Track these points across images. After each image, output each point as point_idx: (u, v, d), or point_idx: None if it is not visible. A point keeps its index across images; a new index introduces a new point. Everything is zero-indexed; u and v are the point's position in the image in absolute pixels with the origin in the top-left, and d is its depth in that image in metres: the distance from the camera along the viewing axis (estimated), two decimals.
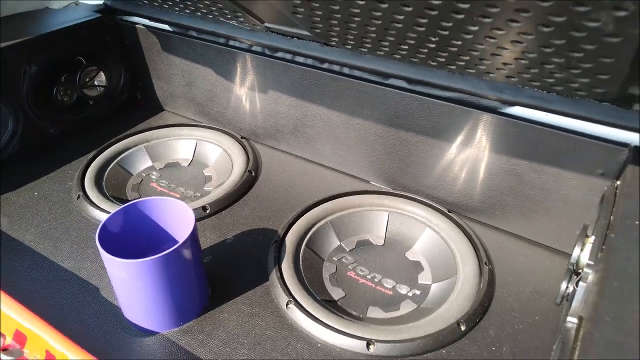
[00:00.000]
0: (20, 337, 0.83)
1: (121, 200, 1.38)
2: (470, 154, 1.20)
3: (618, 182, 0.98)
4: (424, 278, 1.15)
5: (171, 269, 0.92)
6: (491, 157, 1.17)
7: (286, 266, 1.11)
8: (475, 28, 0.79)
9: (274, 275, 1.09)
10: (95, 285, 1.09)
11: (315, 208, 1.27)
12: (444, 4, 0.74)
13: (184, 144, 1.59)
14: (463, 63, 0.97)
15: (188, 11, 1.38)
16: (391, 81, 1.22)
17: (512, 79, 0.97)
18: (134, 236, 1.04)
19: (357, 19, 0.92)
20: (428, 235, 1.23)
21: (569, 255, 0.87)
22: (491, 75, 0.98)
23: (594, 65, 0.76)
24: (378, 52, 1.08)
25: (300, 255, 1.17)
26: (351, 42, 1.08)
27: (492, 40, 0.82)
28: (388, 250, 1.23)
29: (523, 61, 0.86)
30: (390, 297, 1.11)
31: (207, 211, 1.29)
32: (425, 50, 0.97)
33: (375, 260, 1.20)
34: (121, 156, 1.51)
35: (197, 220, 0.98)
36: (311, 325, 0.99)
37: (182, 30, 1.53)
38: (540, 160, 1.10)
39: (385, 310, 1.07)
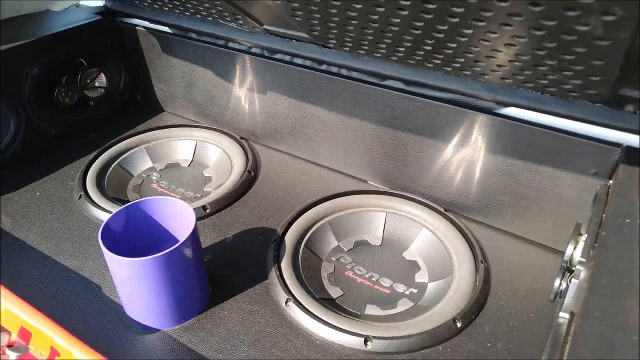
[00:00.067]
0: (25, 334, 0.84)
1: (122, 201, 1.39)
2: (466, 154, 1.22)
3: (611, 182, 1.00)
4: (421, 277, 1.17)
5: (173, 267, 0.94)
6: (487, 157, 1.19)
7: (285, 265, 1.13)
8: (470, 31, 0.81)
9: (273, 274, 1.11)
10: (97, 283, 1.11)
11: (314, 208, 1.29)
12: (439, 8, 0.76)
13: (184, 145, 1.61)
14: (458, 65, 0.99)
15: (188, 14, 1.40)
16: (388, 82, 1.24)
17: (507, 81, 0.99)
18: (135, 235, 1.06)
19: (354, 22, 0.94)
20: (425, 235, 1.25)
21: (563, 253, 0.89)
22: (486, 76, 1.00)
23: (585, 67, 0.78)
24: (375, 54, 1.10)
25: (299, 254, 1.18)
26: (349, 44, 1.10)
27: (486, 43, 0.83)
28: (385, 250, 1.25)
29: (517, 63, 0.88)
30: (388, 295, 1.13)
31: (207, 211, 1.31)
32: (422, 53, 0.99)
33: (373, 260, 1.22)
34: (122, 157, 1.52)
35: (197, 219, 1.00)
36: (310, 323, 1.00)
37: (181, 32, 1.55)
38: (534, 160, 1.12)
39: (382, 308, 1.09)
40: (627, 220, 0.77)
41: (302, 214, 1.27)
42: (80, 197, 1.34)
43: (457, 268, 1.13)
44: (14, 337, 0.85)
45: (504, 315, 1.05)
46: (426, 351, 0.97)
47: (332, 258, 1.22)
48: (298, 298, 1.05)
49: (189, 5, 1.31)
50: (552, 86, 0.93)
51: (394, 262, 1.21)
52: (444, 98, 1.18)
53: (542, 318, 1.04)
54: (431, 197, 1.33)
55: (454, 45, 0.89)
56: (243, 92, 1.54)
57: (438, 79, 1.13)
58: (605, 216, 0.83)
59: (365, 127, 1.35)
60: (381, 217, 1.30)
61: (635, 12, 0.59)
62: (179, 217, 1.06)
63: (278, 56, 1.39)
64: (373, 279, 1.16)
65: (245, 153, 1.54)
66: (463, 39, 0.85)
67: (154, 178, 1.51)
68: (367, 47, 1.07)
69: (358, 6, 0.86)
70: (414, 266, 1.20)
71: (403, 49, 1.00)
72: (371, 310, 1.09)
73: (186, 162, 1.58)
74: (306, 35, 1.15)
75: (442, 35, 0.86)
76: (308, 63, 1.35)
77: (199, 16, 1.38)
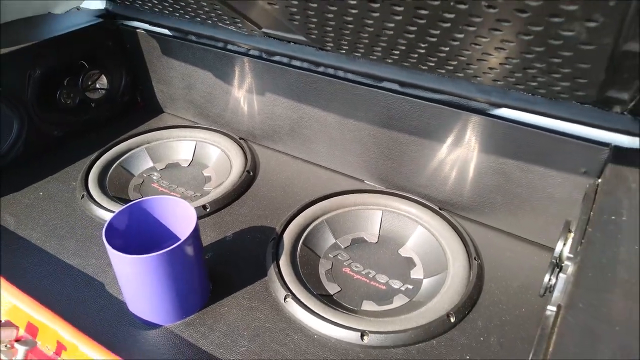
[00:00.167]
0: (32, 329, 0.87)
1: (124, 200, 1.42)
2: (460, 153, 1.24)
3: (599, 180, 1.03)
4: (416, 273, 1.20)
5: (175, 265, 0.97)
6: (480, 156, 1.22)
7: (284, 262, 1.15)
8: (462, 35, 0.84)
9: (272, 271, 1.13)
10: (100, 281, 1.14)
11: (312, 207, 1.32)
12: (431, 14, 0.79)
13: (184, 145, 1.64)
14: (452, 67, 1.02)
15: (187, 17, 1.42)
16: (384, 84, 1.27)
17: (499, 83, 1.02)
18: (138, 233, 1.08)
19: (350, 26, 0.97)
20: (420, 232, 1.28)
21: (554, 250, 0.92)
22: (479, 78, 1.03)
23: (572, 70, 0.81)
24: (371, 57, 1.13)
25: (298, 252, 1.21)
26: (345, 47, 1.13)
27: (477, 47, 0.86)
28: (382, 248, 1.28)
29: (507, 66, 0.91)
30: (384, 291, 1.16)
31: (207, 210, 1.34)
32: (416, 55, 1.02)
33: (370, 257, 1.25)
34: (123, 157, 1.55)
35: (198, 218, 1.02)
36: (308, 318, 1.03)
37: (181, 35, 1.57)
38: (526, 160, 1.15)
39: (378, 303, 1.12)
40: (613, 217, 0.80)
41: (300, 212, 1.30)
42: (82, 196, 1.37)
43: (452, 265, 1.16)
44: (22, 332, 0.88)
45: (496, 310, 1.08)
46: (421, 345, 1.00)
47: (330, 255, 1.25)
48: (296, 294, 1.08)
49: (188, 9, 1.34)
50: (542, 88, 0.96)
51: (390, 259, 1.24)
52: (438, 99, 1.20)
53: (533, 313, 1.07)
54: (426, 195, 1.36)
55: (447, 48, 0.92)
56: (242, 94, 1.57)
57: (432, 80, 1.16)
58: (593, 213, 0.86)
59: (361, 128, 1.38)
60: (377, 215, 1.33)
61: (615, 19, 0.62)
62: (180, 216, 1.09)
63: (276, 58, 1.42)
64: (369, 276, 1.19)
65: (244, 153, 1.56)
66: (455, 43, 0.88)
67: (154, 178, 1.53)
68: (363, 50, 1.10)
69: (354, 11, 0.89)
70: (409, 263, 1.23)
71: (398, 52, 1.03)
72: (368, 305, 1.12)
73: (186, 162, 1.61)
74: (304, 39, 1.18)
75: (435, 39, 0.89)
76: (305, 65, 1.37)
77: (198, 19, 1.41)
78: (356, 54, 1.16)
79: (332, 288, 1.16)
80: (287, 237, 1.22)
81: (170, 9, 1.41)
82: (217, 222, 1.32)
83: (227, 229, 1.30)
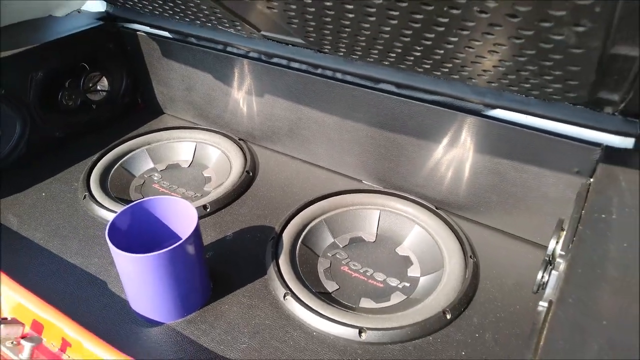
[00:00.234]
0: (37, 327, 0.89)
1: (125, 200, 1.44)
2: (456, 154, 1.27)
3: (591, 180, 1.05)
4: (413, 271, 1.22)
5: (177, 263, 0.99)
6: (475, 157, 1.24)
7: (283, 261, 1.18)
8: (456, 39, 0.86)
9: (271, 270, 1.15)
10: (103, 279, 1.16)
11: (311, 206, 1.34)
12: (425, 18, 0.81)
13: (184, 146, 1.66)
14: (447, 70, 1.04)
15: (188, 19, 1.44)
16: (381, 86, 1.29)
17: (493, 84, 1.04)
18: (140, 233, 1.10)
19: (347, 29, 0.99)
20: (417, 231, 1.30)
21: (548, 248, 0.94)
22: (473, 80, 1.05)
23: (563, 72, 0.83)
24: (368, 59, 1.15)
25: (297, 251, 1.23)
26: (343, 50, 1.15)
27: (471, 50, 0.89)
28: (379, 246, 1.30)
29: (501, 68, 0.93)
30: (382, 289, 1.18)
31: (208, 210, 1.36)
32: (412, 58, 1.04)
33: (368, 256, 1.27)
34: (124, 158, 1.57)
35: (198, 218, 1.04)
36: (307, 315, 1.05)
37: (181, 37, 1.59)
38: (521, 160, 1.17)
39: (376, 301, 1.14)
40: (603, 216, 0.82)
41: (299, 212, 1.32)
42: (84, 197, 1.39)
43: (448, 263, 1.18)
44: (27, 329, 0.90)
45: (491, 307, 1.10)
46: (417, 341, 1.02)
47: (328, 254, 1.27)
48: (295, 292, 1.10)
49: (188, 12, 1.36)
50: (535, 89, 0.98)
51: (388, 257, 1.26)
52: (434, 100, 1.23)
53: (527, 310, 1.09)
54: (423, 195, 1.38)
55: (442, 51, 0.94)
56: (241, 95, 1.59)
57: (428, 82, 1.19)
58: (584, 212, 0.88)
59: (359, 129, 1.40)
60: (375, 215, 1.35)
61: (602, 24, 0.64)
62: (181, 216, 1.11)
63: (275, 60, 1.44)
64: (367, 274, 1.21)
65: (244, 154, 1.58)
66: (449, 46, 0.90)
67: (155, 178, 1.55)
68: (360, 53, 1.12)
69: (351, 15, 0.91)
70: (406, 261, 1.25)
71: (394, 55, 1.05)
72: (365, 303, 1.14)
73: (186, 163, 1.63)
74: (302, 41, 1.20)
75: (429, 43, 0.91)
76: (304, 67, 1.39)
77: (198, 22, 1.43)
78: (354, 56, 1.18)
79: (330, 286, 1.18)
80: (287, 236, 1.24)
81: (171, 12, 1.42)
82: (218, 221, 1.34)
83: (227, 228, 1.32)
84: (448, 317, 1.05)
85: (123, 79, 1.78)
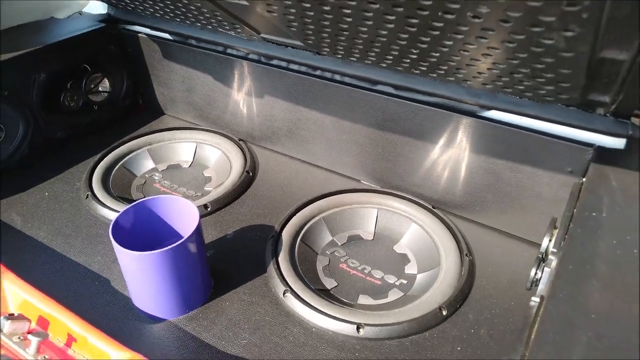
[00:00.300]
0: (43, 322, 0.91)
1: (127, 200, 1.46)
2: (452, 154, 1.29)
3: (584, 179, 1.08)
4: (410, 269, 1.25)
5: (178, 261, 1.01)
6: (471, 157, 1.26)
7: (283, 259, 1.20)
8: (451, 42, 0.88)
9: (271, 267, 1.18)
10: (106, 277, 1.18)
11: (310, 205, 1.36)
12: (421, 22, 0.84)
13: (184, 147, 1.68)
14: (443, 72, 1.06)
15: (188, 22, 1.46)
16: (379, 87, 1.31)
17: (488, 86, 1.06)
18: (142, 231, 1.13)
19: (345, 32, 1.01)
20: (414, 230, 1.32)
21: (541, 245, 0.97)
22: (469, 82, 1.08)
23: (555, 75, 0.86)
24: (366, 61, 1.17)
25: (296, 249, 1.25)
26: (341, 52, 1.17)
27: (466, 53, 0.91)
28: (377, 244, 1.33)
29: (495, 71, 0.95)
30: (379, 286, 1.20)
31: (208, 209, 1.38)
32: (408, 60, 1.06)
33: (366, 254, 1.29)
34: (125, 158, 1.59)
35: (199, 217, 1.07)
36: (306, 312, 1.08)
37: (182, 39, 1.61)
38: (515, 160, 1.20)
39: (374, 298, 1.17)
40: (593, 214, 0.85)
41: (299, 211, 1.34)
42: (87, 196, 1.41)
43: (444, 260, 1.20)
44: (34, 325, 0.92)
45: (486, 304, 1.12)
46: (414, 337, 1.05)
47: (327, 252, 1.29)
48: (295, 289, 1.12)
49: (189, 15, 1.38)
50: (528, 91, 1.01)
51: (385, 255, 1.29)
52: (431, 102, 1.25)
53: (521, 306, 1.11)
54: (420, 194, 1.40)
55: (437, 54, 0.96)
56: (241, 96, 1.61)
57: (425, 84, 1.21)
58: (576, 210, 0.91)
59: (357, 129, 1.42)
60: (373, 213, 1.37)
61: (590, 30, 0.66)
62: (183, 215, 1.13)
63: (274, 62, 1.46)
64: (365, 271, 1.24)
65: (244, 154, 1.60)
66: (445, 49, 0.92)
67: (156, 178, 1.58)
68: (358, 55, 1.15)
69: (349, 19, 0.94)
70: (403, 259, 1.28)
71: (391, 57, 1.08)
72: (363, 300, 1.16)
73: (187, 163, 1.65)
74: (301, 44, 1.23)
75: (425, 46, 0.93)
76: (303, 69, 1.41)
77: (198, 24, 1.45)
78: (352, 59, 1.20)
79: (329, 283, 1.20)
80: (286, 234, 1.27)
81: (171, 15, 1.45)
82: (218, 220, 1.36)
83: (228, 227, 1.34)
84: (444, 313, 1.08)
85: (124, 80, 1.80)
